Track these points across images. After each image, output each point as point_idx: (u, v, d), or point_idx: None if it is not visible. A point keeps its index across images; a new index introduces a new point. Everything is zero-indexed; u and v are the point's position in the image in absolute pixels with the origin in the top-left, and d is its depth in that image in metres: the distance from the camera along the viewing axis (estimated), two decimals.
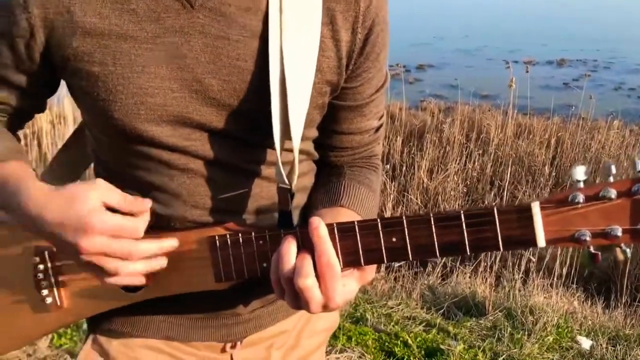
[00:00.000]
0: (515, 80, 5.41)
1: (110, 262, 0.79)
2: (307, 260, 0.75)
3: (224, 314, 0.96)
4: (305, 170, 0.96)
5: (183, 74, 0.82)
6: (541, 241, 0.71)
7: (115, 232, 0.78)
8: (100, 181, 0.81)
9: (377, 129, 0.99)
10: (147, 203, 0.81)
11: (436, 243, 0.74)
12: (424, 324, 2.87)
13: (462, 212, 0.72)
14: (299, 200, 0.96)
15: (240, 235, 0.82)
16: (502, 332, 2.80)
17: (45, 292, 0.92)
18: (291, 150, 0.86)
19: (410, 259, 0.75)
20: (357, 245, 0.76)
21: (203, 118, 0.84)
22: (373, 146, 1.00)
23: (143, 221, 0.80)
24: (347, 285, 0.77)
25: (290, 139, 0.85)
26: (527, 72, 6.13)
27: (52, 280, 0.93)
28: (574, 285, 3.48)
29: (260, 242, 0.81)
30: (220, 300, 0.94)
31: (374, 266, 0.80)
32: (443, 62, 9.92)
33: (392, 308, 2.99)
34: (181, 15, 0.82)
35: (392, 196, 4.49)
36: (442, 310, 3.03)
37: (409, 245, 0.75)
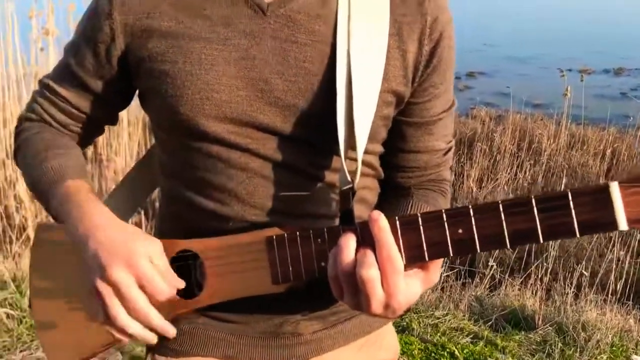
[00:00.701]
0: (570, 89, 5.28)
1: (115, 304, 0.81)
2: (369, 252, 0.72)
3: (285, 334, 0.95)
4: (368, 185, 0.96)
5: (250, 73, 0.84)
6: (622, 224, 0.65)
7: (146, 280, 0.81)
8: (159, 243, 0.86)
9: (446, 152, 0.97)
10: (180, 284, 0.86)
11: (506, 232, 0.69)
12: (471, 336, 2.82)
13: (532, 197, 0.67)
14: (358, 213, 0.93)
15: (298, 233, 0.80)
16: (553, 347, 2.73)
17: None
18: (355, 159, 0.86)
19: (478, 250, 0.70)
20: (420, 239, 0.72)
21: (266, 118, 0.86)
22: (441, 170, 0.98)
23: (170, 290, 0.83)
24: (410, 285, 0.73)
25: (354, 146, 0.85)
26: (582, 80, 5.97)
27: None
28: (630, 302, 3.36)
29: (319, 240, 0.79)
30: (281, 319, 0.93)
31: (439, 266, 0.76)
32: (494, 69, 9.76)
33: (439, 318, 2.95)
34: (253, 20, 0.85)
35: None
36: (490, 323, 2.97)
37: (476, 236, 0.70)
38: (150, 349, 1.01)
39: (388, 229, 0.72)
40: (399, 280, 0.71)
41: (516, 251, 3.72)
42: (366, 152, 0.87)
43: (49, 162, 0.92)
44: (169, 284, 0.82)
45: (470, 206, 0.70)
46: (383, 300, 0.72)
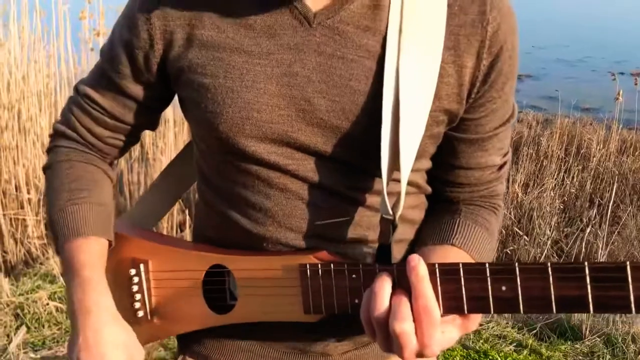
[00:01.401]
0: (622, 92, 5.12)
1: None
2: (404, 301, 0.69)
3: (314, 352, 0.93)
4: (413, 204, 0.90)
5: (292, 91, 0.80)
6: None
7: None
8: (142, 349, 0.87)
9: (501, 167, 0.90)
10: None
11: (553, 297, 0.64)
12: (514, 344, 2.76)
13: (586, 263, 0.63)
14: (403, 233, 0.90)
15: (332, 265, 0.78)
16: (600, 359, 2.65)
17: (137, 304, 0.94)
18: (399, 181, 0.81)
19: (522, 312, 0.66)
20: (460, 291, 0.68)
21: (307, 138, 0.82)
22: (495, 185, 0.92)
23: None
24: (446, 332, 0.70)
25: (398, 168, 0.80)
26: (636, 84, 5.79)
27: (145, 293, 0.93)
28: None
29: (353, 276, 0.76)
30: (311, 336, 0.91)
31: (479, 316, 0.72)
32: (542, 72, 9.55)
33: (481, 325, 2.90)
34: (298, 32, 0.80)
35: None
36: (535, 331, 2.90)
37: (520, 296, 0.66)
38: (182, 350, 1.01)
39: (427, 278, 0.68)
40: (435, 332, 0.68)
41: (562, 259, 3.63)
42: (412, 169, 0.82)
43: (68, 209, 0.90)
44: None
45: (516, 264, 0.66)
46: (416, 350, 0.69)
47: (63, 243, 0.89)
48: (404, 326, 0.68)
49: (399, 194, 0.81)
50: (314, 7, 0.80)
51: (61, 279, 3.05)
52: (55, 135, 0.99)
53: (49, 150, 0.99)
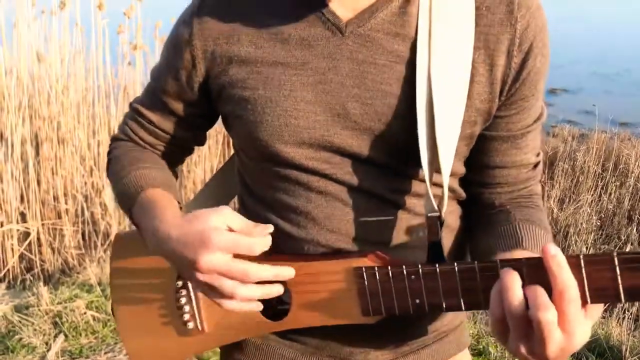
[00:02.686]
0: None
1: (226, 282, 0.79)
2: (540, 291, 0.66)
3: None
4: (449, 209, 0.91)
5: (327, 97, 0.83)
6: None
7: (232, 248, 0.78)
8: (225, 207, 0.82)
9: (535, 166, 0.91)
10: (268, 228, 0.81)
11: None
12: None
13: None
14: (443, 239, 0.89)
15: (390, 268, 0.78)
16: None
17: (186, 316, 0.94)
18: (440, 185, 0.82)
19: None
20: (616, 281, 0.65)
21: (343, 142, 0.84)
22: (532, 184, 0.92)
23: (261, 242, 0.79)
24: (585, 322, 0.67)
25: (439, 170, 0.81)
26: None
27: (194, 304, 0.94)
28: None
29: (412, 277, 0.76)
30: (352, 346, 0.92)
31: (601, 304, 0.69)
32: (578, 86, 9.41)
33: None
34: (331, 42, 0.83)
35: None
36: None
37: None
38: (224, 357, 1.02)
39: (567, 267, 0.65)
40: (580, 321, 0.65)
41: None
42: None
43: (133, 174, 0.95)
44: (256, 233, 0.80)
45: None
46: (561, 343, 0.66)
47: (131, 198, 0.92)
48: (548, 315, 0.64)
49: (439, 197, 0.83)
50: (344, 17, 0.83)
51: (98, 288, 3.09)
52: (113, 141, 1.06)
53: (109, 153, 1.05)
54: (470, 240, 0.95)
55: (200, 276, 0.79)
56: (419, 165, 0.81)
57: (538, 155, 0.92)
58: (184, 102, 0.96)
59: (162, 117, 0.99)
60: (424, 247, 0.83)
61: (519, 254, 0.79)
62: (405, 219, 0.87)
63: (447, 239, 0.93)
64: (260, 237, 0.80)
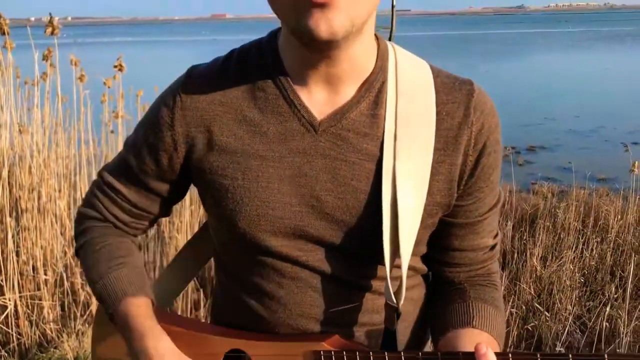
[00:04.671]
0: (638, 164, 5.12)
1: None
2: None
3: None
4: (413, 284, 0.98)
5: (302, 190, 0.88)
6: None
7: None
8: None
9: (492, 247, 0.99)
10: None
11: None
12: None
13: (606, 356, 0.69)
14: (406, 312, 0.97)
15: (344, 353, 0.83)
16: None
17: None
18: (399, 267, 0.88)
19: None
20: None
21: (317, 232, 0.89)
22: (489, 264, 1.00)
23: None
24: None
25: (399, 256, 0.87)
26: None
27: None
28: None
29: None
30: None
31: None
32: (555, 143, 9.60)
33: None
34: (305, 138, 0.88)
35: (503, 285, 4.30)
36: None
37: None
38: None
39: None
40: None
41: (585, 335, 3.53)
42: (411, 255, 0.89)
43: (110, 276, 0.97)
44: None
45: (570, 355, 0.71)
46: None
47: (114, 307, 0.95)
48: None
49: (400, 278, 0.89)
50: (319, 116, 0.89)
51: None
52: (82, 218, 1.06)
53: (79, 234, 1.06)
54: (432, 310, 1.02)
55: None
56: (382, 254, 0.87)
57: (495, 237, 0.99)
58: (163, 181, 0.99)
59: (137, 193, 1.01)
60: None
61: (468, 332, 0.88)
62: (371, 299, 0.93)
63: (413, 312, 0.99)
64: None
